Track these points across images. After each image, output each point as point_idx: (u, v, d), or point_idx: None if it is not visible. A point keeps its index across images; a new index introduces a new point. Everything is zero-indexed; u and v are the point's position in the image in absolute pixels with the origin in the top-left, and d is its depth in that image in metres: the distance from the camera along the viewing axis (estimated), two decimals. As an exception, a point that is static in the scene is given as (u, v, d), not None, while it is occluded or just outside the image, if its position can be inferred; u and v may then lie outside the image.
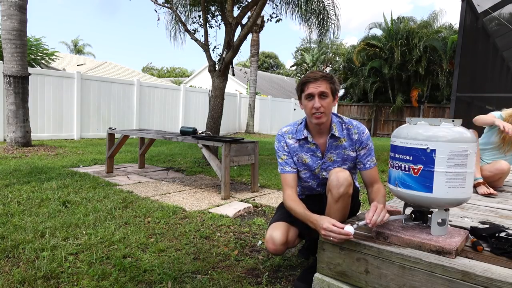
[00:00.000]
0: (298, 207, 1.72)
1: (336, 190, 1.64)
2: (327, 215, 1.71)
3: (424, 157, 1.37)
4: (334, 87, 1.80)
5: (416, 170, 1.39)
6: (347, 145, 1.85)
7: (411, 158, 1.40)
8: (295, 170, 1.89)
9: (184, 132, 4.20)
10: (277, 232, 1.81)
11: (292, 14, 9.17)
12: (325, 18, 9.07)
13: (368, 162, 1.86)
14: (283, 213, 1.95)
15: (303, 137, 1.85)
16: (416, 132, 1.41)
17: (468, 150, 1.35)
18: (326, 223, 1.49)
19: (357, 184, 2.05)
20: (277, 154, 1.94)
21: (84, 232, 2.46)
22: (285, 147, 1.90)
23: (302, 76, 1.86)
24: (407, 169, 1.42)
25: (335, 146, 1.85)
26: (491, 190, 2.68)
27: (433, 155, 1.35)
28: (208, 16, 7.24)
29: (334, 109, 2.00)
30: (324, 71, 1.90)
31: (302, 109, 1.84)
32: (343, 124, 1.87)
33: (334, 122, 1.85)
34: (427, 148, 1.36)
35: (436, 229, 1.44)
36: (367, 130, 1.89)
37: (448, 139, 1.34)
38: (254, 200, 3.68)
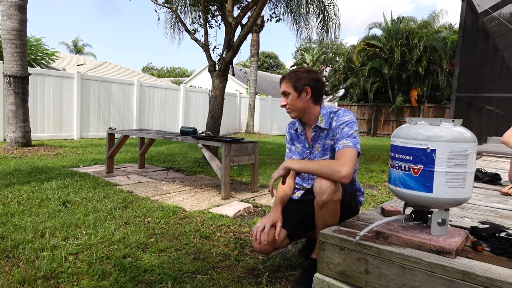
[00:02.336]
0: (277, 193, 1.94)
1: (319, 198, 1.65)
2: (315, 220, 1.76)
3: (424, 157, 1.37)
4: (295, 84, 1.87)
5: (416, 170, 1.39)
6: (327, 134, 1.90)
7: (411, 158, 1.40)
8: None
9: (184, 132, 4.20)
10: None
11: (285, 14, 9.15)
12: (326, 18, 9.07)
13: (337, 144, 1.79)
14: None
15: (295, 128, 2.04)
16: (416, 132, 1.41)
17: (468, 150, 1.35)
18: (261, 221, 1.82)
19: (357, 185, 2.04)
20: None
21: (84, 232, 2.45)
22: (288, 139, 2.10)
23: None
24: (407, 169, 1.42)
25: (320, 137, 1.93)
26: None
27: (433, 155, 1.35)
28: (208, 16, 7.24)
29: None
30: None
31: None
32: (331, 114, 1.91)
33: (322, 114, 1.91)
34: (427, 148, 1.36)
35: (436, 229, 1.44)
36: (348, 117, 1.83)
37: (449, 139, 1.34)
38: (254, 200, 3.68)
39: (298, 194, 2.05)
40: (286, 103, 1.91)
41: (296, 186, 2.09)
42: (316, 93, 1.90)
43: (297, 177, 2.09)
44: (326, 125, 1.89)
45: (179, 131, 4.37)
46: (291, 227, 1.87)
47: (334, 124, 1.86)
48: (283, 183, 1.85)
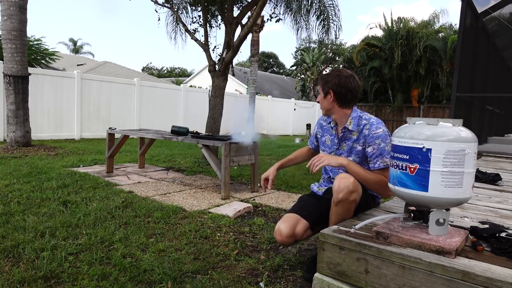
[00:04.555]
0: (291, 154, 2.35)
1: (336, 195, 1.76)
2: (330, 215, 1.86)
3: (420, 156, 1.38)
4: (323, 86, 2.04)
5: (412, 169, 1.40)
6: (356, 139, 1.99)
7: (407, 157, 1.41)
8: (312, 146, 2.31)
9: (175, 132, 4.25)
10: (284, 225, 1.95)
11: (285, 14, 9.09)
12: (327, 19, 9.04)
13: (378, 163, 1.91)
14: (298, 205, 2.11)
15: (329, 121, 2.15)
16: (413, 131, 1.42)
17: (466, 150, 1.34)
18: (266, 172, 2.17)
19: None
20: None
21: (84, 232, 2.46)
22: (317, 128, 2.26)
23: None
24: (404, 168, 1.43)
25: (348, 138, 2.03)
26: None
27: (429, 154, 1.36)
28: (208, 16, 7.24)
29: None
30: (324, 70, 1.97)
31: None
32: (361, 120, 2.00)
33: (352, 117, 2.02)
34: (423, 147, 1.37)
35: (433, 229, 1.44)
36: (381, 130, 1.92)
37: (444, 138, 1.35)
38: (254, 200, 3.68)
39: (322, 190, 2.17)
40: (318, 101, 2.10)
41: (323, 183, 2.22)
42: (340, 98, 1.99)
43: (324, 176, 2.24)
44: (354, 127, 1.99)
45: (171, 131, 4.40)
46: (314, 220, 2.00)
47: (366, 132, 1.95)
48: (270, 180, 2.15)
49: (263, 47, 50.55)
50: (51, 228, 2.47)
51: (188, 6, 7.93)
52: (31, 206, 3.01)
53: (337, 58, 25.64)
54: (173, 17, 8.27)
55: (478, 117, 7.08)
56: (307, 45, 27.14)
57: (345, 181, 1.74)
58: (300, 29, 9.29)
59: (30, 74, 6.84)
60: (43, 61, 13.59)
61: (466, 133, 1.39)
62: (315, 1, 8.63)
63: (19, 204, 3.04)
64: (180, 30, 8.80)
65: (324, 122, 2.21)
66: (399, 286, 1.35)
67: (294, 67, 34.06)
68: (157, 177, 4.67)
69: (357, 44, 20.50)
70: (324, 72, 25.37)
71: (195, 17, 7.51)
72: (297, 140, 12.75)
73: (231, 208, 3.26)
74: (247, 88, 17.75)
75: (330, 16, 8.77)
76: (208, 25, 6.83)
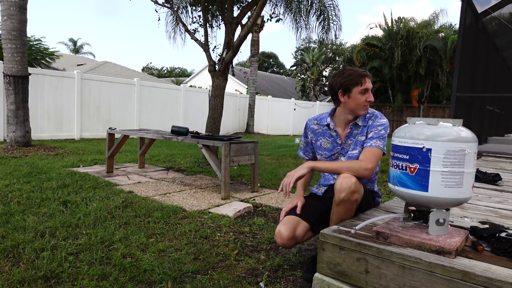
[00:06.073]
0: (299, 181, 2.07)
1: (338, 195, 1.75)
2: (331, 215, 1.86)
3: (420, 156, 1.38)
4: (343, 87, 2.02)
5: (412, 169, 1.40)
6: (361, 131, 2.00)
7: (408, 157, 1.41)
8: (307, 158, 2.22)
9: (175, 132, 4.25)
10: (284, 227, 1.92)
11: (285, 14, 9.08)
12: (326, 19, 9.04)
13: (370, 142, 1.92)
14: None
15: (325, 123, 2.08)
16: (413, 131, 1.43)
17: (466, 150, 1.35)
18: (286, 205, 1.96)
19: (376, 188, 2.14)
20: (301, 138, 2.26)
21: (84, 232, 2.46)
22: (308, 133, 2.16)
23: (347, 69, 1.99)
24: (404, 168, 1.43)
25: (354, 134, 2.02)
26: None
27: (429, 154, 1.36)
28: (208, 16, 7.24)
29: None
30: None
31: (344, 101, 1.97)
32: (367, 114, 2.03)
33: None
34: (423, 147, 1.37)
35: (433, 229, 1.44)
36: (384, 120, 1.99)
37: (444, 138, 1.35)
38: (254, 200, 3.68)
39: (322, 190, 2.15)
40: (338, 105, 2.03)
41: (322, 183, 2.20)
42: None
43: (323, 174, 2.21)
44: (363, 122, 2.01)
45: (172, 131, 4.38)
46: (315, 221, 1.98)
47: (371, 122, 1.99)
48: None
49: (263, 47, 50.63)
50: (51, 228, 2.47)
51: (188, 6, 7.93)
52: (31, 206, 3.01)
53: (337, 58, 25.62)
54: (173, 17, 8.27)
55: (478, 117, 7.08)
56: (307, 45, 27.14)
57: (347, 181, 1.72)
58: (300, 29, 9.28)
59: (30, 74, 6.84)
60: (43, 61, 13.59)
61: (466, 133, 1.39)
62: (315, 1, 8.62)
63: (19, 204, 3.04)
64: (180, 30, 8.80)
65: (315, 126, 2.14)
66: (399, 286, 1.35)
67: (294, 67, 34.07)
68: (157, 177, 4.67)
69: (357, 44, 20.54)
70: (324, 72, 25.40)
71: (195, 17, 7.50)
72: (297, 140, 12.74)
73: (231, 208, 3.26)
74: (247, 88, 17.75)
75: (330, 16, 8.76)
76: (208, 25, 6.83)
